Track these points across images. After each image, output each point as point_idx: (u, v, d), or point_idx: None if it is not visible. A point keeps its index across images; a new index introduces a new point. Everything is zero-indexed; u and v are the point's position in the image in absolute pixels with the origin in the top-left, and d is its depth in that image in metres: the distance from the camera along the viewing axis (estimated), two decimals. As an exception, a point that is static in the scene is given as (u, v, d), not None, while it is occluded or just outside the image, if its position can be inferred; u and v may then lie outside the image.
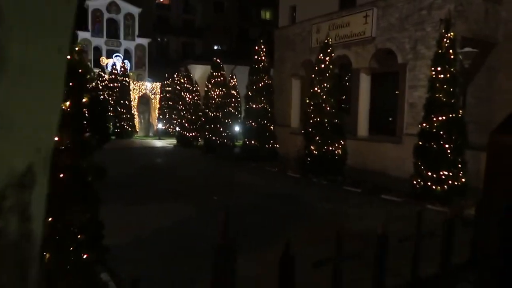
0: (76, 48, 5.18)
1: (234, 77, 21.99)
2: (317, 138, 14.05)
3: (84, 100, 5.11)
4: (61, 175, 4.71)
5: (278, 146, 18.34)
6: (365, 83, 17.01)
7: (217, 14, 51.11)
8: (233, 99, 21.20)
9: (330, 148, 13.95)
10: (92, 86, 5.10)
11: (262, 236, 7.42)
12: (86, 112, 5.25)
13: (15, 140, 0.76)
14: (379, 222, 4.68)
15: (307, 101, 14.88)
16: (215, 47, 51.06)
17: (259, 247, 6.65)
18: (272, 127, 18.28)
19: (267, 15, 53.96)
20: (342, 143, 14.09)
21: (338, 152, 14.03)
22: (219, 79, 20.88)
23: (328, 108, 14.07)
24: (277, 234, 7.40)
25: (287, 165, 16.41)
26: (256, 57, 18.15)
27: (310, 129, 14.56)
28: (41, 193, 0.86)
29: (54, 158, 3.73)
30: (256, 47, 18.16)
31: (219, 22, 50.44)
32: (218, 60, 21.43)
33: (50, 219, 4.53)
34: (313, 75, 14.77)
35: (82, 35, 36.93)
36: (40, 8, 0.76)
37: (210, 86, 21.16)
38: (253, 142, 17.75)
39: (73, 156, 4.84)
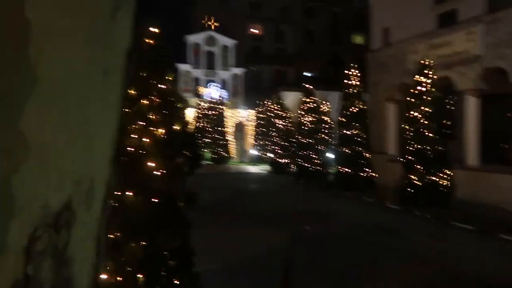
0: (170, 78, 5.44)
1: (326, 102, 21.73)
2: (418, 166, 13.02)
3: (176, 127, 5.32)
4: (154, 200, 4.88)
5: (374, 174, 17.42)
6: (472, 106, 15.49)
7: (308, 41, 51.62)
8: (326, 125, 20.88)
9: (434, 178, 12.81)
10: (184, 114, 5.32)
11: (356, 274, 6.89)
12: (179, 138, 5.44)
13: (48, 173, 0.66)
14: (502, 268, 3.99)
15: (405, 126, 13.99)
16: (307, 74, 51.40)
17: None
18: (367, 154, 17.50)
19: (358, 39, 53.07)
20: (448, 172, 12.85)
21: (444, 182, 12.81)
22: (311, 105, 20.78)
23: (429, 134, 13.04)
24: (373, 273, 6.82)
25: (384, 195, 15.44)
26: (348, 81, 17.71)
27: (409, 157, 13.60)
28: (86, 232, 0.75)
29: (147, 184, 3.80)
30: (348, 72, 17.75)
31: (310, 48, 50.85)
32: (309, 86, 21.40)
33: (143, 243, 4.68)
34: (410, 99, 13.89)
35: (183, 67, 39.94)
36: (76, 25, 0.67)
37: (302, 112, 21.14)
38: (347, 169, 17.11)
39: (165, 182, 5.01)
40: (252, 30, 50.97)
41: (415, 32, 17.73)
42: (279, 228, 10.15)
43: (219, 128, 28.14)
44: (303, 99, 21.43)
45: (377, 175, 17.51)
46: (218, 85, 38.03)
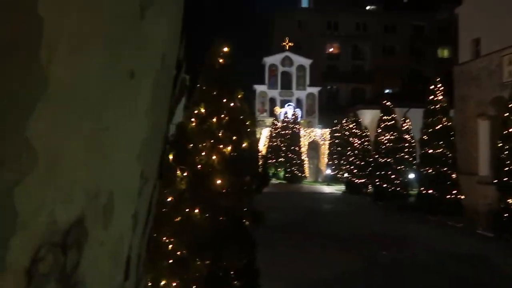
0: (239, 96, 5.47)
1: (407, 120, 20.65)
2: (517, 189, 11.70)
3: (244, 145, 5.31)
4: (220, 218, 4.86)
5: (462, 197, 16.00)
6: None
7: (387, 57, 49.97)
8: (406, 144, 19.79)
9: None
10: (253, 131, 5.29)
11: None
12: (247, 156, 5.41)
13: (56, 185, 0.59)
14: None
15: (500, 144, 12.71)
16: (386, 91, 49.71)
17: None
18: (454, 175, 16.17)
19: (444, 53, 50.19)
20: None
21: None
22: (389, 123, 19.86)
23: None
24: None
25: (475, 221, 14.07)
26: (431, 97, 16.66)
27: (506, 179, 12.30)
28: (102, 252, 0.67)
29: (214, 201, 3.76)
30: (432, 87, 16.70)
31: (390, 64, 49.12)
32: (388, 103, 20.52)
33: (207, 261, 4.66)
34: (507, 114, 12.63)
35: (259, 88, 40.82)
36: (94, 24, 0.61)
37: (380, 130, 20.28)
38: (430, 191, 15.93)
39: (231, 199, 4.99)
40: (329, 49, 50.76)
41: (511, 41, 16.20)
42: (354, 251, 9.66)
43: (293, 147, 28.05)
44: (381, 116, 20.58)
45: (465, 198, 16.06)
46: (293, 104, 38.18)
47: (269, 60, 40.91)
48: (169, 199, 5.39)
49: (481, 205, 14.70)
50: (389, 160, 19.29)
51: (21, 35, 0.56)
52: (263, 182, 5.55)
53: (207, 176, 5.12)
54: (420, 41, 49.91)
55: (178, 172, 5.37)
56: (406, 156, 19.58)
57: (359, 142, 23.66)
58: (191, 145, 5.33)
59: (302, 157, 29.09)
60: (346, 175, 24.71)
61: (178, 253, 4.94)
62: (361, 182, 22.74)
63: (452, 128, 16.47)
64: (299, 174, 28.13)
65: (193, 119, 5.40)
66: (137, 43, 0.70)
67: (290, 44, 40.33)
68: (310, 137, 32.58)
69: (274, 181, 30.48)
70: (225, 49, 5.56)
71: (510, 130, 12.32)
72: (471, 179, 17.16)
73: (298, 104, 40.61)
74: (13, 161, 0.55)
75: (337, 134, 29.98)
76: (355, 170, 23.18)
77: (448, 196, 15.73)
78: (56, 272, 0.59)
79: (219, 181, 5.18)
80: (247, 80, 42.42)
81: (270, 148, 32.99)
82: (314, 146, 32.25)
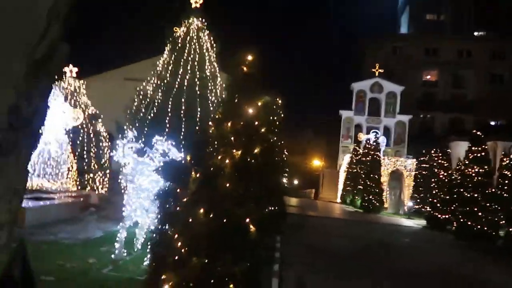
0: (259, 103, 5.54)
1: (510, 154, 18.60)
2: None
3: (255, 150, 5.32)
4: (224, 221, 4.90)
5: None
6: None
7: (493, 86, 45.71)
8: (500, 179, 17.68)
9: None
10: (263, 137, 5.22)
11: None
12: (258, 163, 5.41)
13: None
14: None
15: None
16: (492, 123, 45.41)
17: None
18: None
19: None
20: None
21: None
22: (478, 154, 17.98)
23: None
24: None
25: None
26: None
27: None
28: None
29: (218, 204, 3.85)
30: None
31: (496, 94, 44.79)
32: (478, 132, 18.68)
33: (205, 261, 4.71)
34: None
35: (345, 113, 40.03)
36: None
37: (467, 162, 18.46)
38: (520, 232, 13.96)
39: (235, 204, 4.99)
40: (426, 76, 48.19)
41: None
42: None
43: (372, 175, 26.75)
44: (469, 147, 18.75)
45: None
46: (378, 131, 36.65)
47: (357, 86, 40.07)
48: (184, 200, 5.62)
49: None
50: (475, 195, 17.38)
51: None
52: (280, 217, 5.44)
53: (215, 178, 5.24)
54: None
55: (192, 173, 5.59)
56: (499, 192, 17.45)
57: (445, 174, 21.75)
58: (209, 148, 5.53)
59: (382, 187, 27.54)
60: (428, 209, 22.78)
61: (183, 250, 5.10)
62: (444, 217, 20.74)
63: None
64: (377, 204, 26.61)
65: (211, 123, 5.62)
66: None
67: (380, 70, 39.13)
68: (393, 167, 30.83)
69: (350, 209, 29.26)
70: (249, 58, 5.72)
71: None
72: None
73: (386, 132, 38.87)
74: None
75: (424, 165, 27.95)
76: (438, 204, 21.25)
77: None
78: None
79: (227, 184, 5.26)
80: (335, 107, 41.96)
81: (349, 175, 31.87)
82: (397, 176, 30.38)
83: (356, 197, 28.42)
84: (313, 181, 44.43)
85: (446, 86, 46.89)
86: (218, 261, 4.77)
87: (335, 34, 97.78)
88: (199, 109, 14.88)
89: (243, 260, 4.87)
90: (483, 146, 18.18)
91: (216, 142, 5.30)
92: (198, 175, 5.28)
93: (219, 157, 5.20)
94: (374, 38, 47.69)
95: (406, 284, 9.47)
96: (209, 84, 16.25)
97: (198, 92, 15.55)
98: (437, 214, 21.41)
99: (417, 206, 25.03)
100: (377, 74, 39.51)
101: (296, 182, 46.28)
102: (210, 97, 15.72)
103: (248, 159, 5.21)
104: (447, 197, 20.68)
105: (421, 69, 47.26)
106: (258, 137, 5.22)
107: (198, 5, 17.33)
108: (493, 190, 17.32)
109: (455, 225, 18.72)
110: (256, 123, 5.28)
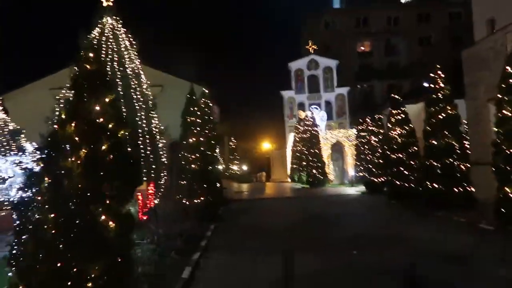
0: (107, 100, 5.47)
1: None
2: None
3: (103, 147, 5.29)
4: (76, 222, 4.87)
5: (473, 189, 14.76)
6: None
7: (424, 49, 47.47)
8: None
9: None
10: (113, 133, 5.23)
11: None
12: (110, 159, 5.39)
13: None
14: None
15: (496, 129, 11.67)
16: (425, 84, 47.20)
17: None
18: (463, 167, 14.96)
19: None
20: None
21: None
22: (399, 117, 18.82)
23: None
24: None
25: (483, 214, 12.88)
26: (432, 85, 15.61)
27: (503, 165, 11.24)
28: None
29: (69, 206, 3.74)
30: (432, 74, 15.66)
31: (428, 57, 46.64)
32: (396, 96, 19.53)
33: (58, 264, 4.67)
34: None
35: (287, 94, 40.51)
36: None
37: (389, 125, 19.30)
38: (436, 185, 14.83)
39: (86, 204, 4.99)
40: (361, 47, 49.36)
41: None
42: (326, 254, 9.25)
43: (313, 150, 27.43)
44: (390, 111, 19.59)
45: (481, 191, 14.74)
46: (318, 108, 37.44)
47: (294, 65, 40.60)
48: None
49: (492, 196, 13.41)
50: (400, 155, 18.26)
51: None
52: (131, 184, 5.48)
53: (65, 180, 5.19)
54: (460, 29, 47.08)
55: (46, 178, 5.49)
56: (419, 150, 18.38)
57: (376, 139, 22.65)
58: (56, 151, 5.44)
59: (323, 160, 28.32)
60: (366, 175, 23.73)
61: (35, 256, 5.04)
62: (380, 181, 21.71)
63: (457, 117, 15.27)
64: (321, 178, 27.40)
65: (55, 126, 5.53)
66: None
67: (313, 47, 39.79)
68: (333, 139, 31.72)
69: (298, 186, 29.95)
70: (91, 55, 5.65)
71: (504, 112, 11.22)
72: (487, 170, 15.72)
73: (329, 106, 39.76)
74: None
75: (362, 134, 28.92)
76: (373, 169, 22.18)
77: (456, 190, 14.55)
78: None
79: (79, 185, 5.23)
80: (276, 88, 42.34)
81: (294, 154, 32.52)
82: (339, 148, 31.33)
83: (302, 174, 29.06)
84: (264, 164, 44.97)
85: (380, 55, 48.31)
86: (72, 262, 4.78)
87: (274, 16, 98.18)
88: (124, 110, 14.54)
89: (100, 258, 4.90)
90: (402, 109, 19.02)
91: (62, 144, 5.24)
92: (48, 180, 5.23)
93: (68, 159, 5.17)
94: (308, 15, 48.24)
95: (325, 248, 9.86)
96: (132, 83, 15.90)
97: (122, 93, 15.20)
98: (373, 178, 22.36)
99: (361, 174, 25.94)
100: (312, 51, 40.14)
101: (246, 167, 46.66)
102: (134, 96, 15.39)
103: (97, 157, 5.21)
104: (381, 161, 21.60)
105: (355, 41, 48.35)
106: (105, 134, 5.21)
107: (110, 3, 16.79)
108: (415, 149, 18.21)
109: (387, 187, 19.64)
110: (102, 120, 5.27)
